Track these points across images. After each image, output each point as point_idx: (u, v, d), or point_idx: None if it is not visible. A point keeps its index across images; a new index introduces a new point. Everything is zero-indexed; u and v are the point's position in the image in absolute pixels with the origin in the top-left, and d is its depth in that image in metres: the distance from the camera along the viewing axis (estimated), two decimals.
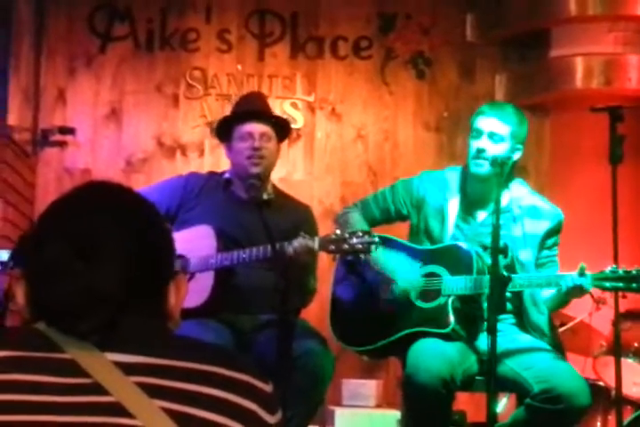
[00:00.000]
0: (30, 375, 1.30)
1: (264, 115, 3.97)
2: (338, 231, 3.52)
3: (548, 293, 3.55)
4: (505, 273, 3.36)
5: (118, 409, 1.28)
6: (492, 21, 6.08)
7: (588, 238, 5.14)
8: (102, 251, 1.35)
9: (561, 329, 4.57)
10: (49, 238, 1.38)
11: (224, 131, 3.94)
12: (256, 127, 3.86)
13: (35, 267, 1.38)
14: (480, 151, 3.62)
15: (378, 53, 6.12)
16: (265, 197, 3.73)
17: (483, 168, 3.63)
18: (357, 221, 3.79)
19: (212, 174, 4.09)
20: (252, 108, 3.95)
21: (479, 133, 3.65)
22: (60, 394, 1.29)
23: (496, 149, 3.60)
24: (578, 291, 3.38)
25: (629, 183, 5.20)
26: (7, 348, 1.34)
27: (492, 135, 3.62)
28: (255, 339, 3.71)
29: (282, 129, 3.99)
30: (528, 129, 3.75)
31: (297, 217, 3.95)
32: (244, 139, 3.84)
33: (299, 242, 3.49)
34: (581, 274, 3.33)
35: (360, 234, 3.46)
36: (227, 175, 4.00)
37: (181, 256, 3.65)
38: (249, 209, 3.76)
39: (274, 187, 4.01)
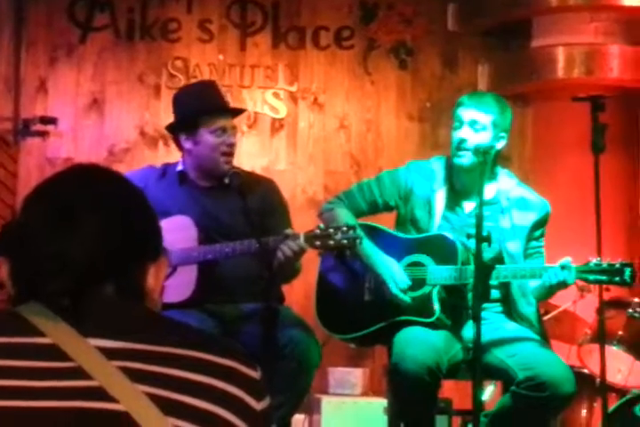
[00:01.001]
0: (10, 360, 1.29)
1: (236, 109, 4.00)
2: (322, 226, 3.50)
3: (534, 283, 3.56)
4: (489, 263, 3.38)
5: (101, 393, 1.27)
6: (473, 11, 6.09)
7: (570, 228, 5.16)
8: (76, 218, 1.36)
9: (545, 317, 4.58)
10: (28, 205, 1.41)
11: (188, 123, 3.84)
12: (228, 122, 3.82)
13: (13, 233, 1.38)
14: (461, 142, 3.61)
15: (360, 43, 6.12)
16: (226, 181, 3.71)
17: (465, 159, 3.63)
18: (344, 216, 3.78)
19: (166, 166, 3.99)
20: (220, 101, 3.87)
21: (460, 123, 3.64)
22: (41, 379, 1.28)
23: (478, 138, 3.60)
24: (562, 284, 3.39)
25: (611, 172, 5.22)
26: None
27: (472, 124, 3.61)
28: (240, 328, 3.70)
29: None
30: (512, 117, 3.75)
31: (263, 193, 3.88)
32: (217, 134, 3.76)
33: (289, 246, 3.47)
34: (565, 267, 3.35)
35: (344, 229, 3.44)
36: (180, 168, 3.91)
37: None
38: (214, 196, 3.81)
39: (233, 167, 3.97)
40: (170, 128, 3.92)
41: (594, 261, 3.37)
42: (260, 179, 4.06)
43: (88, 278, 1.35)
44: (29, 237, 1.36)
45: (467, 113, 3.63)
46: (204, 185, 3.87)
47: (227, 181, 3.68)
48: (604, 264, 3.35)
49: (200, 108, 3.82)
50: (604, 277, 3.36)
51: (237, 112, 3.99)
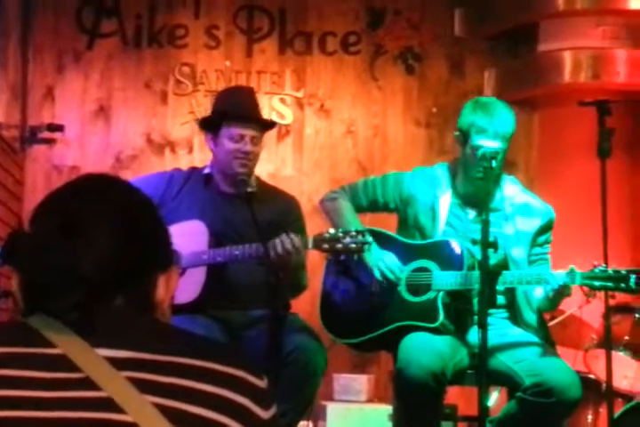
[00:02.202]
0: (19, 371, 1.30)
1: (258, 119, 3.98)
2: (331, 230, 3.51)
3: (539, 293, 3.55)
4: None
5: (109, 404, 1.27)
6: (480, 17, 6.08)
7: (576, 232, 5.15)
8: (86, 231, 1.35)
9: (551, 323, 4.57)
10: (37, 217, 1.40)
11: (212, 124, 3.94)
12: (248, 131, 3.85)
13: (22, 245, 1.37)
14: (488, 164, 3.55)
15: (367, 49, 6.11)
16: (249, 189, 3.73)
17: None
18: (347, 211, 3.79)
19: (193, 170, 4.08)
20: (244, 108, 3.91)
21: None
22: (50, 389, 1.28)
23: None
24: (566, 291, 3.38)
25: (618, 177, 5.21)
26: None
27: (497, 152, 3.57)
28: (246, 335, 3.72)
29: (268, 129, 4.01)
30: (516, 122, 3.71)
31: (282, 208, 3.95)
32: (235, 140, 3.82)
33: (283, 242, 3.49)
34: (570, 273, 3.33)
35: (353, 234, 3.46)
36: (207, 170, 3.99)
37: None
38: (234, 203, 3.83)
39: (257, 179, 4.01)
40: (200, 126, 4.03)
41: (599, 267, 3.36)
42: (281, 193, 4.10)
43: (98, 292, 1.34)
44: (39, 249, 1.35)
45: (492, 144, 3.55)
46: (228, 191, 3.91)
47: (249, 189, 3.70)
48: (610, 271, 3.34)
49: (222, 112, 3.89)
50: (609, 284, 3.35)
51: (264, 123, 3.99)
